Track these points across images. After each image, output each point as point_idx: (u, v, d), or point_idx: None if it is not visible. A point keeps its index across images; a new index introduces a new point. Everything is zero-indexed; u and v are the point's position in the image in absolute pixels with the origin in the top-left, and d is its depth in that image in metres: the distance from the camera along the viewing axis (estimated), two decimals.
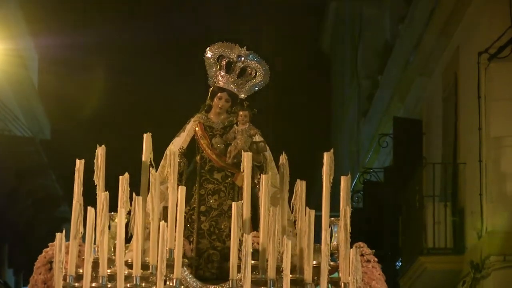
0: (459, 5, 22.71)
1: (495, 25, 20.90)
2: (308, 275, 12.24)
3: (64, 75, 34.48)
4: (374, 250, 13.23)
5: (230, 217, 12.74)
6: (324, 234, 12.26)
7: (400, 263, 23.25)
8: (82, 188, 12.86)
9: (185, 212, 12.78)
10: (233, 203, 12.40)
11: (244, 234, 12.17)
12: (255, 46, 13.63)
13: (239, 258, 12.28)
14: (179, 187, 12.35)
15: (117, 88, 43.07)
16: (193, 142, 13.52)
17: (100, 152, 12.52)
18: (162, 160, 13.24)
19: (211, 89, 13.40)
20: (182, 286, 12.56)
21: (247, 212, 12.34)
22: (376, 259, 13.07)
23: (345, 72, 40.04)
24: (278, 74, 13.48)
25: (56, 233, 12.51)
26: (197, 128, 13.46)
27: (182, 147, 13.27)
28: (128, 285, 12.24)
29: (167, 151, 13.25)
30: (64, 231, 12.48)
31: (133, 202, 12.42)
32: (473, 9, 22.03)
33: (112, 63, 41.90)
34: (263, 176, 12.68)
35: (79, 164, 12.58)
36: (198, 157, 13.36)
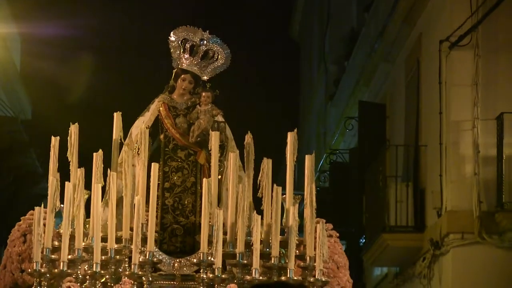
0: None
1: (456, 15, 21.05)
2: (275, 249, 12.32)
3: (46, 57, 33.53)
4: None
5: (193, 193, 13.47)
6: (292, 210, 12.43)
7: (364, 240, 23.37)
8: (57, 164, 12.94)
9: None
10: (204, 180, 12.75)
11: (216, 209, 12.36)
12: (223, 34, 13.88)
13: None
14: (152, 163, 12.50)
15: (96, 70, 41.52)
16: (157, 122, 13.58)
17: (73, 130, 12.61)
18: (127, 139, 13.42)
19: (174, 71, 13.53)
20: (155, 258, 12.40)
21: (215, 188, 12.28)
22: (337, 234, 13.19)
23: (314, 58, 40.52)
24: (249, 60, 13.44)
25: (36, 208, 12.62)
26: (161, 108, 13.60)
27: (148, 126, 13.04)
28: (103, 257, 12.20)
29: (131, 130, 13.49)
30: (42, 205, 12.64)
31: (107, 178, 12.44)
32: (432, 6, 22.96)
33: (93, 45, 41.10)
34: (231, 154, 13.00)
35: (54, 141, 12.60)
36: (162, 136, 13.41)
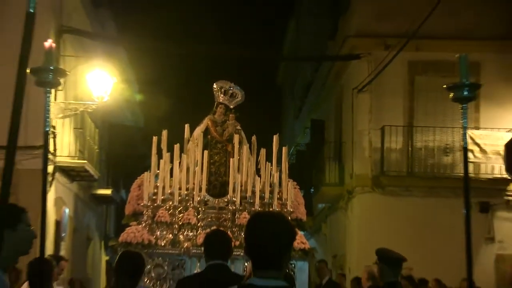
0: (342, 64, 22.60)
1: (361, 75, 21.13)
2: (267, 194, 13.33)
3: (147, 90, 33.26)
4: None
5: (224, 166, 13.98)
6: (276, 175, 13.61)
7: (313, 189, 23.65)
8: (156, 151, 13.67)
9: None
10: (231, 159, 13.67)
11: (237, 173, 13.24)
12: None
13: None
14: (204, 151, 13.55)
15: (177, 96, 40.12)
16: (207, 129, 14.12)
17: (164, 134, 13.55)
18: (192, 136, 14.03)
19: (216, 102, 14.44)
20: (205, 198, 13.43)
21: (235, 163, 13.43)
22: (298, 187, 14.37)
23: (288, 96, 40.58)
24: (249, 99, 14.80)
25: (145, 172, 13.59)
26: (209, 122, 14.36)
27: (202, 131, 14.05)
28: (179, 197, 13.03)
29: (194, 133, 14.07)
30: (149, 171, 13.45)
31: (182, 157, 13.42)
32: (350, 69, 22.71)
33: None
34: (244, 147, 13.93)
35: (155, 139, 13.54)
36: (209, 136, 14.14)
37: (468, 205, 5.53)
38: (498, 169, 18.98)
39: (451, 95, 5.48)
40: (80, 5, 21.16)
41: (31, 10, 3.14)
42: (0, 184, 3.14)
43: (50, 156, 16.61)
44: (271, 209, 13.02)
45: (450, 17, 18.93)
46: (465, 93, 5.36)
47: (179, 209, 13.07)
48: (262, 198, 13.23)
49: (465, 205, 5.45)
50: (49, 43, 6.19)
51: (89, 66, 19.15)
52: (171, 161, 13.44)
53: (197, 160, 13.49)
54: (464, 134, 5.69)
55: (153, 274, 12.35)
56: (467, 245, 5.37)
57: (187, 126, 14.01)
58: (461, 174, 16.94)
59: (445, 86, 5.67)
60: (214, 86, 14.17)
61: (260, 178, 13.46)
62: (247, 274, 8.27)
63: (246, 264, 11.81)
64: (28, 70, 5.29)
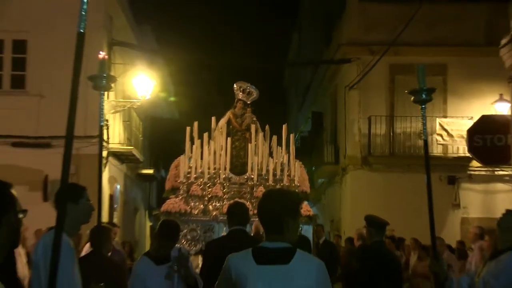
0: (336, 67, 22.67)
1: (351, 75, 20.87)
2: (278, 172, 13.13)
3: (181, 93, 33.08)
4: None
5: (244, 150, 13.69)
6: (285, 157, 13.34)
7: (314, 168, 23.08)
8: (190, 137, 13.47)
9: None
10: (249, 144, 13.48)
11: (254, 155, 13.10)
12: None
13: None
14: (228, 137, 13.43)
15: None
16: (229, 121, 13.89)
17: (195, 125, 13.38)
18: (218, 125, 13.77)
19: (236, 99, 14.12)
20: (229, 176, 13.26)
21: (253, 148, 13.25)
22: (303, 166, 14.07)
23: (293, 95, 39.75)
24: (262, 97, 14.54)
25: (181, 156, 13.44)
26: (230, 115, 14.06)
27: (226, 121, 13.87)
28: (208, 175, 12.88)
29: (219, 123, 13.86)
30: (183, 155, 13.27)
31: (209, 143, 13.30)
32: (343, 71, 22.40)
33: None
34: (260, 134, 13.68)
35: (189, 130, 13.37)
36: (231, 126, 13.92)
37: (429, 180, 5.63)
38: (462, 149, 18.80)
39: (412, 98, 5.40)
40: (126, 22, 20.95)
41: (81, 31, 3.05)
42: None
43: (104, 144, 15.91)
44: (281, 184, 13.04)
45: (423, 28, 18.72)
46: (423, 96, 5.32)
47: (208, 185, 13.00)
48: (274, 175, 13.13)
49: (427, 182, 5.53)
50: (102, 54, 6.22)
51: (134, 71, 19.13)
52: (201, 146, 13.24)
53: (222, 145, 13.33)
54: (424, 129, 5.64)
55: (188, 237, 12.38)
56: (429, 210, 5.41)
57: (213, 118, 13.85)
58: (432, 154, 18.17)
59: (406, 91, 5.60)
60: (235, 86, 13.99)
61: (273, 159, 13.30)
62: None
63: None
64: (86, 77, 5.37)
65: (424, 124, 5.66)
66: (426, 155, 5.89)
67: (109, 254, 8.12)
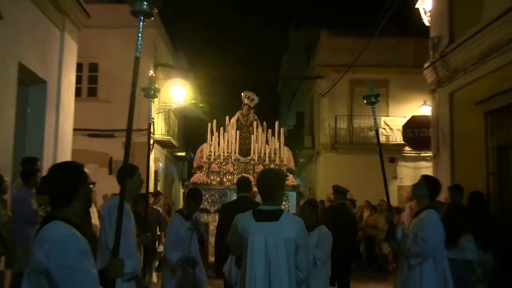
0: (313, 81, 22.36)
1: (319, 86, 20.54)
2: (271, 154, 12.76)
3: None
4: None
5: (248, 139, 13.08)
6: (277, 144, 12.91)
7: (298, 151, 22.59)
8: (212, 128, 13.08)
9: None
10: (252, 135, 12.97)
11: (256, 143, 12.67)
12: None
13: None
14: (237, 131, 13.06)
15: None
16: (238, 119, 13.37)
17: (214, 123, 13.08)
18: (229, 122, 13.30)
19: (243, 103, 13.50)
20: (238, 157, 12.95)
21: (255, 138, 12.88)
22: (290, 150, 13.55)
23: (283, 100, 39.00)
24: (259, 103, 13.92)
25: (204, 143, 12.93)
26: (239, 115, 13.56)
27: (235, 120, 13.38)
28: (222, 158, 12.58)
29: (232, 120, 13.34)
30: (206, 143, 12.86)
31: (223, 134, 12.93)
32: (317, 83, 21.83)
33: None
34: (260, 128, 13.16)
35: (210, 126, 12.97)
36: (239, 123, 13.39)
37: (382, 160, 5.57)
38: (399, 139, 18.26)
39: (365, 102, 5.44)
40: (166, 50, 20.82)
41: (137, 55, 3.02)
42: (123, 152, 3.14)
43: (151, 135, 15.55)
44: (274, 163, 12.79)
45: (373, 55, 18.15)
46: (373, 99, 5.34)
47: (223, 164, 12.80)
48: (269, 157, 12.95)
49: (380, 162, 5.50)
50: (151, 73, 6.28)
51: (172, 84, 18.79)
52: (218, 137, 13.03)
53: (233, 136, 13.10)
54: (375, 123, 5.60)
55: (209, 200, 12.25)
56: (384, 180, 5.39)
57: (227, 117, 13.58)
58: (381, 142, 18.52)
59: (361, 96, 5.63)
60: (242, 94, 13.74)
61: (268, 146, 13.08)
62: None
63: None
64: (140, 88, 5.54)
65: (375, 119, 5.61)
66: (378, 141, 5.76)
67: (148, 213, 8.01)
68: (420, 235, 4.87)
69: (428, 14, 11.31)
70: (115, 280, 2.84)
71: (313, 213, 5.86)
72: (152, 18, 3.19)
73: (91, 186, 2.88)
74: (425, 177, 5.29)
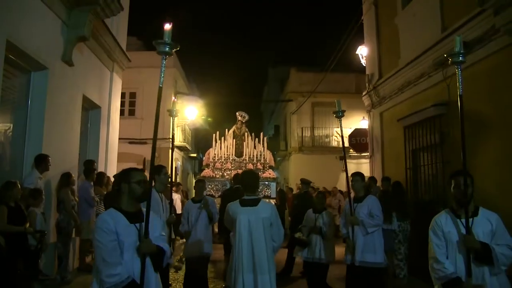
0: (286, 103, 21.39)
1: (292, 106, 19.96)
2: (256, 156, 12.38)
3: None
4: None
5: (241, 145, 12.58)
6: (260, 148, 12.45)
7: (276, 153, 21.95)
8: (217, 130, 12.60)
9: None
10: (244, 142, 12.58)
11: (246, 147, 12.36)
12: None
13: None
14: (233, 139, 12.70)
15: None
16: (234, 131, 13.01)
17: (217, 134, 12.70)
18: (229, 132, 12.90)
19: (237, 120, 13.24)
20: (235, 158, 12.56)
21: (246, 144, 12.56)
22: (271, 153, 13.13)
23: (265, 116, 37.23)
24: (250, 118, 13.57)
25: (210, 148, 12.65)
26: (234, 127, 13.17)
27: (233, 131, 13.07)
28: (223, 158, 12.24)
29: (231, 131, 12.89)
30: (213, 146, 12.53)
31: (225, 138, 12.56)
32: (289, 105, 20.73)
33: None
34: (249, 136, 12.58)
35: (225, 132, 12.62)
36: (234, 133, 12.97)
37: (345, 159, 5.56)
38: (347, 144, 17.27)
39: (334, 115, 5.38)
40: (183, 82, 20.61)
41: (160, 85, 3.04)
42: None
43: (172, 141, 15.30)
44: (260, 162, 12.55)
45: (328, 84, 17.93)
46: (340, 114, 5.33)
47: (223, 163, 12.57)
48: (257, 157, 12.77)
49: (344, 161, 5.56)
50: (173, 99, 6.31)
51: (187, 105, 18.50)
52: (220, 143, 12.81)
53: (230, 143, 12.90)
54: (341, 130, 5.56)
55: (214, 188, 12.16)
56: (346, 173, 5.41)
57: (226, 130, 13.41)
58: (334, 146, 18.44)
59: (332, 112, 5.62)
60: (237, 113, 13.57)
61: (255, 150, 12.89)
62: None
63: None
64: (166, 110, 5.59)
65: (341, 127, 5.45)
66: (343, 145, 5.58)
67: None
68: (374, 212, 4.94)
69: (365, 58, 11.32)
70: (167, 266, 2.85)
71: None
72: (172, 56, 3.20)
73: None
74: (359, 174, 5.34)
